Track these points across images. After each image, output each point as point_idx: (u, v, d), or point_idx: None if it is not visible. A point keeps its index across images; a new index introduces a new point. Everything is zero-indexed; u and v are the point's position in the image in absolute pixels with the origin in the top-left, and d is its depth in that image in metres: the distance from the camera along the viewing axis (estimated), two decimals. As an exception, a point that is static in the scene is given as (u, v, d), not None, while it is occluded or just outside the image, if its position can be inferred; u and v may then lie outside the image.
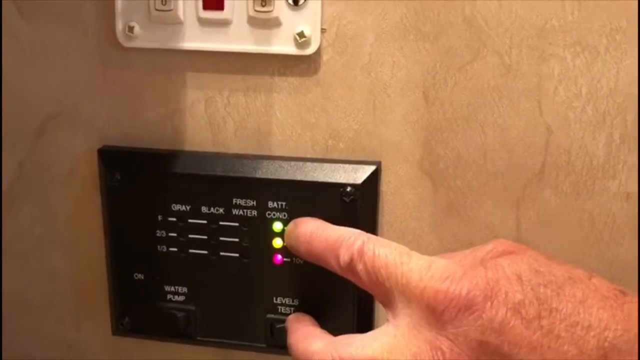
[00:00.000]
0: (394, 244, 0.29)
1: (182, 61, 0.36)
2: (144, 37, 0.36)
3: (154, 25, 0.36)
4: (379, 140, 0.35)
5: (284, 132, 0.36)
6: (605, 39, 0.32)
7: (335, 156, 0.36)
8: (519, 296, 0.24)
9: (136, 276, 0.39)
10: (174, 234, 0.37)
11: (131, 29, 0.36)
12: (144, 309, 0.39)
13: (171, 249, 0.37)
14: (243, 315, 0.38)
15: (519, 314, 0.24)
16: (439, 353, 0.25)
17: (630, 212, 0.34)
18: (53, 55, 0.38)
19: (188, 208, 0.37)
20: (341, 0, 0.34)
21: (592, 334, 0.23)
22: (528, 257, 0.26)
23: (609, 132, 0.33)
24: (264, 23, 0.34)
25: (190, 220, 0.37)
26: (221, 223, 0.36)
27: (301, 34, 0.34)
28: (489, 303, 0.24)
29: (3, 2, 0.37)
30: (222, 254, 0.37)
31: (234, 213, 0.36)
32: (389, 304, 0.28)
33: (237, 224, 0.36)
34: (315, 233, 0.32)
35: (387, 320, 0.28)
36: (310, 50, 0.34)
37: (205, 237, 0.37)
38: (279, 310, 0.37)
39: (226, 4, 0.34)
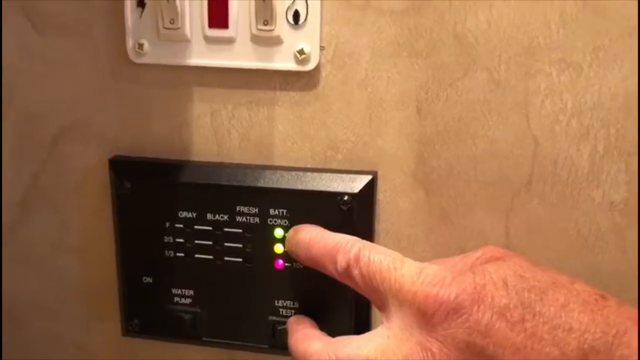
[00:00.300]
0: (388, 251, 0.29)
1: (189, 76, 0.37)
2: (153, 54, 0.37)
3: (163, 43, 0.36)
4: (375, 151, 0.36)
5: (285, 144, 0.37)
6: (589, 57, 0.33)
7: (333, 166, 0.37)
8: (504, 300, 0.25)
9: (145, 280, 0.39)
10: (181, 240, 0.38)
11: (141, 46, 0.37)
12: (153, 311, 0.40)
13: (178, 254, 0.38)
14: (246, 317, 0.38)
15: (504, 317, 0.24)
16: (429, 354, 0.25)
17: (614, 220, 0.35)
18: (66, 70, 0.39)
19: (194, 215, 0.37)
20: (339, 19, 0.35)
21: (572, 336, 0.24)
22: (514, 263, 0.27)
23: (593, 144, 0.34)
24: (266, 41, 0.35)
25: (196, 227, 0.37)
26: (225, 229, 0.37)
27: (301, 51, 0.35)
28: (476, 307, 0.25)
29: (19, 18, 0.38)
30: (226, 258, 0.38)
31: (237, 220, 0.37)
32: (383, 308, 0.29)
33: (240, 231, 0.37)
34: (314, 239, 0.33)
35: (382, 322, 0.29)
36: (309, 66, 0.35)
37: (210, 242, 0.37)
38: (281, 312, 0.38)
39: (231, 22, 0.35)
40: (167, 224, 0.38)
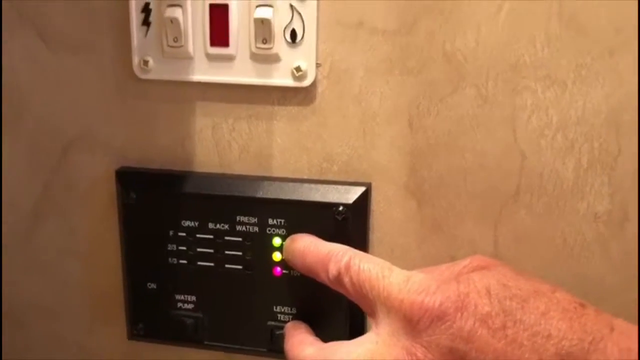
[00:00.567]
0: (377, 260, 0.30)
1: (192, 92, 0.38)
2: (157, 70, 0.38)
3: (167, 60, 0.38)
4: (369, 163, 0.37)
5: (283, 156, 0.38)
6: (572, 74, 0.34)
7: (329, 177, 0.38)
8: (487, 308, 0.26)
9: (149, 286, 0.40)
10: (184, 248, 0.39)
11: (146, 62, 0.38)
12: (157, 316, 0.41)
13: (181, 261, 0.39)
14: (246, 322, 0.39)
15: (486, 324, 0.25)
16: (414, 358, 0.26)
17: (598, 231, 0.36)
18: (76, 85, 0.40)
19: (196, 224, 0.38)
20: (334, 38, 0.36)
21: (551, 342, 0.24)
22: (498, 273, 0.28)
23: (577, 158, 0.35)
24: (265, 58, 0.36)
25: (198, 235, 0.38)
26: (226, 238, 0.38)
27: (298, 69, 0.36)
28: (460, 314, 0.26)
29: (32, 36, 0.39)
30: (227, 266, 0.39)
31: (237, 229, 0.38)
32: (372, 314, 0.30)
33: (240, 239, 0.38)
34: (308, 248, 0.34)
35: (371, 328, 0.30)
36: (306, 82, 0.36)
37: (211, 250, 0.39)
38: (279, 318, 0.39)
39: (231, 41, 0.36)
40: (171, 233, 0.39)
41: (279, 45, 0.36)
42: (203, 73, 0.38)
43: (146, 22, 0.37)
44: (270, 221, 0.37)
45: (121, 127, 0.40)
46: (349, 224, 0.36)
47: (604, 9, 0.33)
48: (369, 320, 0.30)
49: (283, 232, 0.37)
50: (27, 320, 0.46)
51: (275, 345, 0.39)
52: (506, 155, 0.36)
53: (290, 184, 0.38)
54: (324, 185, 0.37)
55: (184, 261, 0.39)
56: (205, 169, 0.40)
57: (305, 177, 0.39)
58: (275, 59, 0.36)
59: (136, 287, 0.41)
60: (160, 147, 0.40)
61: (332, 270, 0.31)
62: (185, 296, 0.40)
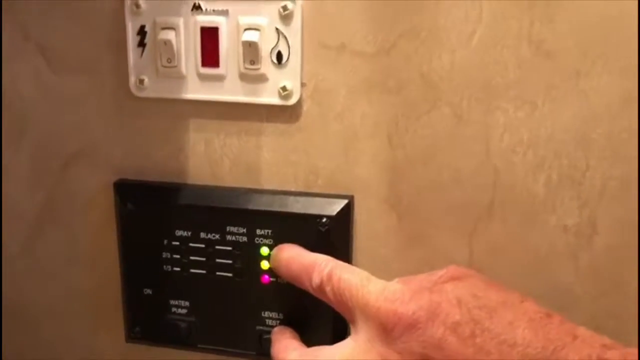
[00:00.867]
0: (357, 270, 0.32)
1: (185, 109, 0.40)
2: (152, 89, 0.40)
3: (161, 79, 0.39)
4: (351, 177, 0.39)
5: (270, 169, 0.40)
6: (542, 95, 0.35)
7: (315, 190, 0.39)
8: (457, 317, 0.27)
9: (145, 291, 0.42)
10: (177, 256, 0.40)
11: (142, 81, 0.40)
12: (152, 320, 0.42)
13: (175, 268, 0.41)
14: (236, 326, 0.41)
15: (456, 332, 0.27)
16: None
17: (568, 242, 0.37)
18: (76, 103, 0.41)
19: (189, 234, 0.40)
20: (318, 59, 0.37)
21: (516, 350, 0.25)
22: (470, 284, 0.29)
23: (548, 174, 0.36)
24: (253, 78, 0.38)
25: (191, 245, 0.40)
26: (217, 247, 0.40)
27: (284, 88, 0.38)
28: (431, 322, 0.27)
29: (35, 56, 0.41)
30: (218, 273, 0.40)
31: (227, 239, 0.39)
32: (352, 321, 0.31)
33: (230, 248, 0.39)
34: (293, 258, 0.36)
35: (351, 334, 0.31)
36: (292, 101, 0.38)
37: (203, 259, 0.40)
38: (267, 322, 0.40)
39: (221, 62, 0.38)
40: (165, 242, 0.41)
41: (266, 66, 0.38)
42: (195, 91, 0.39)
43: (142, 44, 0.39)
44: (258, 231, 0.39)
45: (119, 142, 0.42)
46: (332, 235, 0.38)
47: (570, 34, 0.34)
48: (350, 327, 0.32)
49: (270, 242, 0.39)
50: (30, 324, 0.48)
51: (264, 349, 0.40)
52: (480, 171, 0.37)
53: (277, 197, 0.39)
54: (309, 198, 0.39)
55: (178, 268, 0.41)
56: (198, 180, 0.41)
57: (292, 189, 0.40)
58: (262, 79, 0.38)
59: (133, 292, 0.42)
60: (155, 161, 0.42)
61: (315, 279, 0.33)
62: (179, 301, 0.41)
